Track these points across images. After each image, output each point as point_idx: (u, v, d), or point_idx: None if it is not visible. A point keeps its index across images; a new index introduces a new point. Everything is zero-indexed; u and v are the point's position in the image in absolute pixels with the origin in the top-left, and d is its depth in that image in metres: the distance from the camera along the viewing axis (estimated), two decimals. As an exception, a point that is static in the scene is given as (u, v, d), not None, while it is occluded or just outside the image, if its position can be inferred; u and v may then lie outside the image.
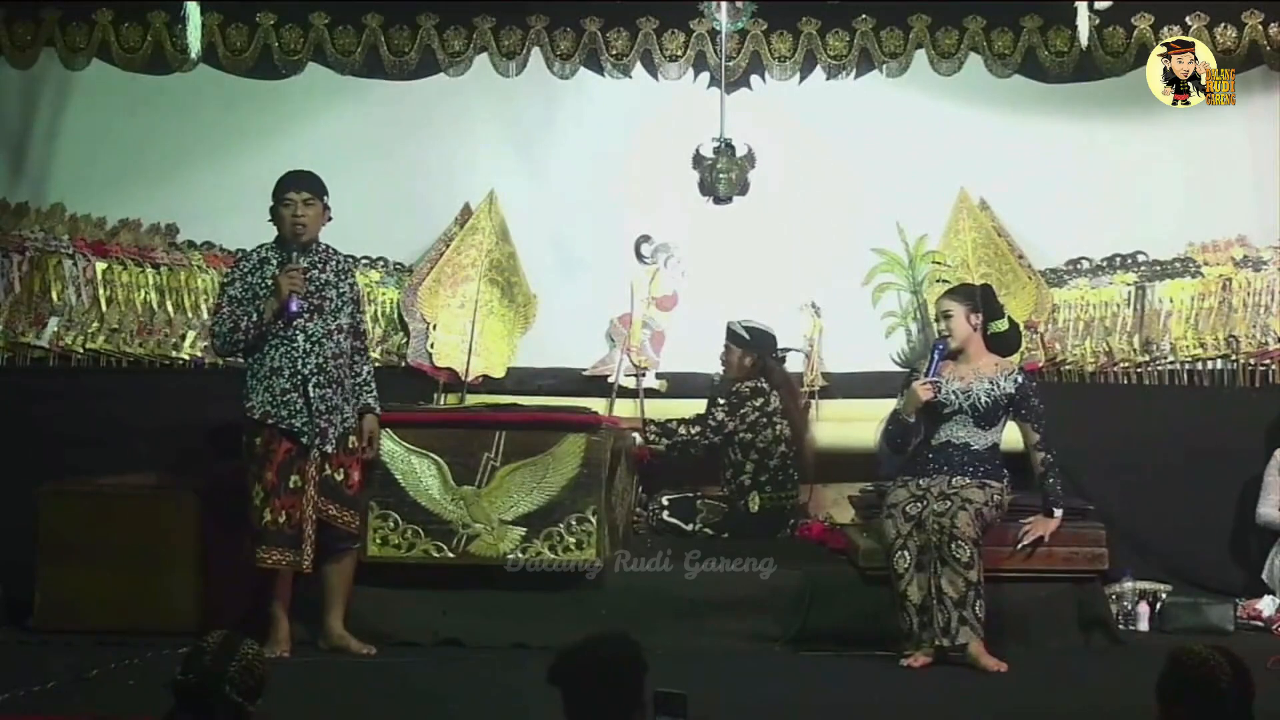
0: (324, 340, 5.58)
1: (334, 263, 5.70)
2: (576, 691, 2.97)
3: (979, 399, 5.69)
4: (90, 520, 5.93)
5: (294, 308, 5.50)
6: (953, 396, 5.70)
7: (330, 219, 5.71)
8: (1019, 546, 5.71)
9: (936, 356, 5.72)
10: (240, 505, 5.81)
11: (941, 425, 5.73)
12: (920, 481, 5.65)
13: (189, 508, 5.95)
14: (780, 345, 6.92)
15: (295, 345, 5.53)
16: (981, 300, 5.82)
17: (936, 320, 5.87)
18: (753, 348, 6.78)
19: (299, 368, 5.52)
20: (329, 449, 5.56)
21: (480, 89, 7.49)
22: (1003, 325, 5.88)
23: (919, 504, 5.53)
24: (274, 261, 5.61)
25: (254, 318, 5.52)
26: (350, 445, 5.66)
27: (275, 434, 5.50)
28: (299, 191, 5.60)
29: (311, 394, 5.51)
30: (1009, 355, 5.93)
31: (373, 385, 5.82)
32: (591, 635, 3.09)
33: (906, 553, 5.46)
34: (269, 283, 5.55)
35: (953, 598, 5.34)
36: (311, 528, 5.52)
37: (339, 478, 5.61)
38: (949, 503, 5.50)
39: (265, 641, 5.41)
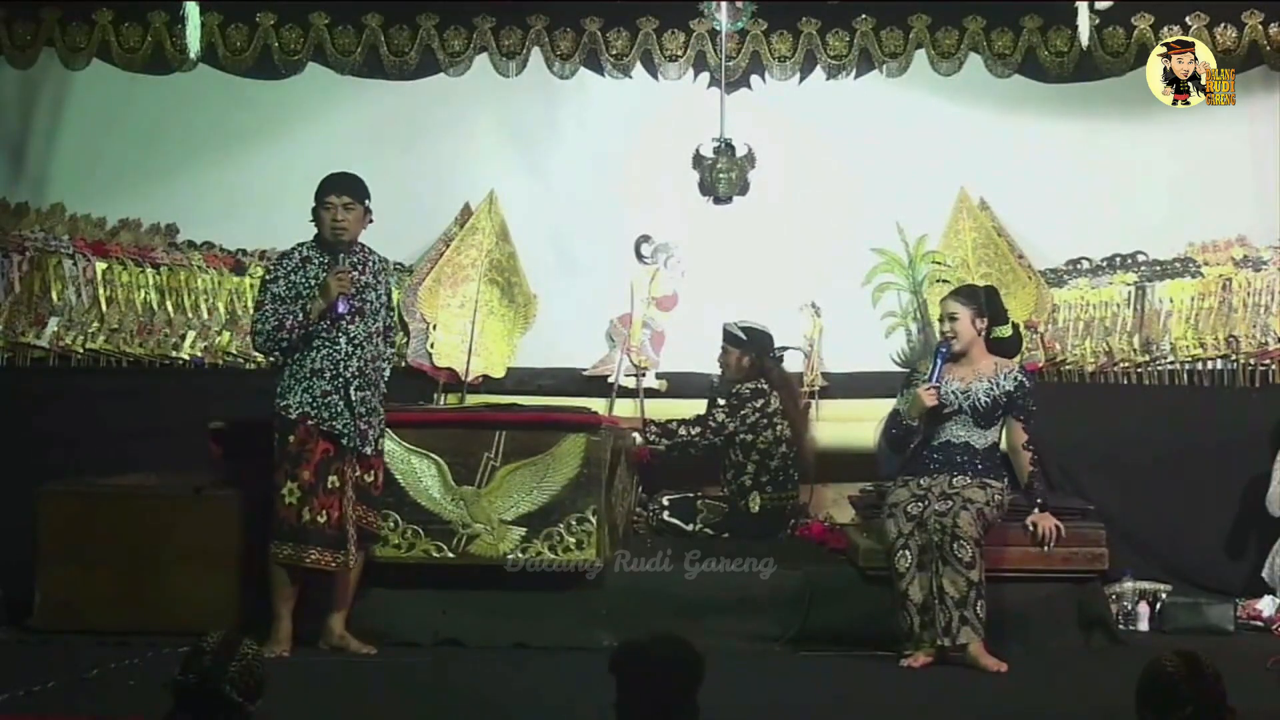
0: (364, 343, 5.58)
1: (371, 264, 5.69)
2: (631, 686, 2.96)
3: (978, 399, 5.69)
4: (90, 520, 5.92)
5: (342, 309, 5.48)
6: (952, 396, 5.69)
7: (371, 221, 5.68)
8: (1045, 548, 5.71)
9: (940, 360, 5.70)
10: (240, 505, 5.82)
11: (941, 425, 5.72)
12: (921, 481, 5.65)
13: (189, 508, 5.94)
14: (778, 344, 6.92)
15: (338, 347, 5.52)
16: (986, 304, 5.80)
17: (940, 321, 5.83)
18: (750, 348, 6.78)
19: (340, 370, 5.51)
20: (368, 450, 5.57)
21: (480, 89, 7.49)
22: (1006, 331, 5.87)
23: (920, 504, 5.53)
24: (315, 261, 5.57)
25: (299, 317, 5.48)
26: (381, 447, 5.67)
27: (313, 434, 5.48)
28: (339, 195, 5.57)
29: (353, 396, 5.51)
30: (1009, 358, 5.92)
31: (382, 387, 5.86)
32: (656, 634, 3.06)
33: (908, 552, 5.45)
34: (312, 282, 5.53)
35: (954, 597, 5.33)
36: (353, 527, 5.53)
37: (369, 479, 5.62)
38: (950, 502, 5.49)
39: (266, 641, 5.41)
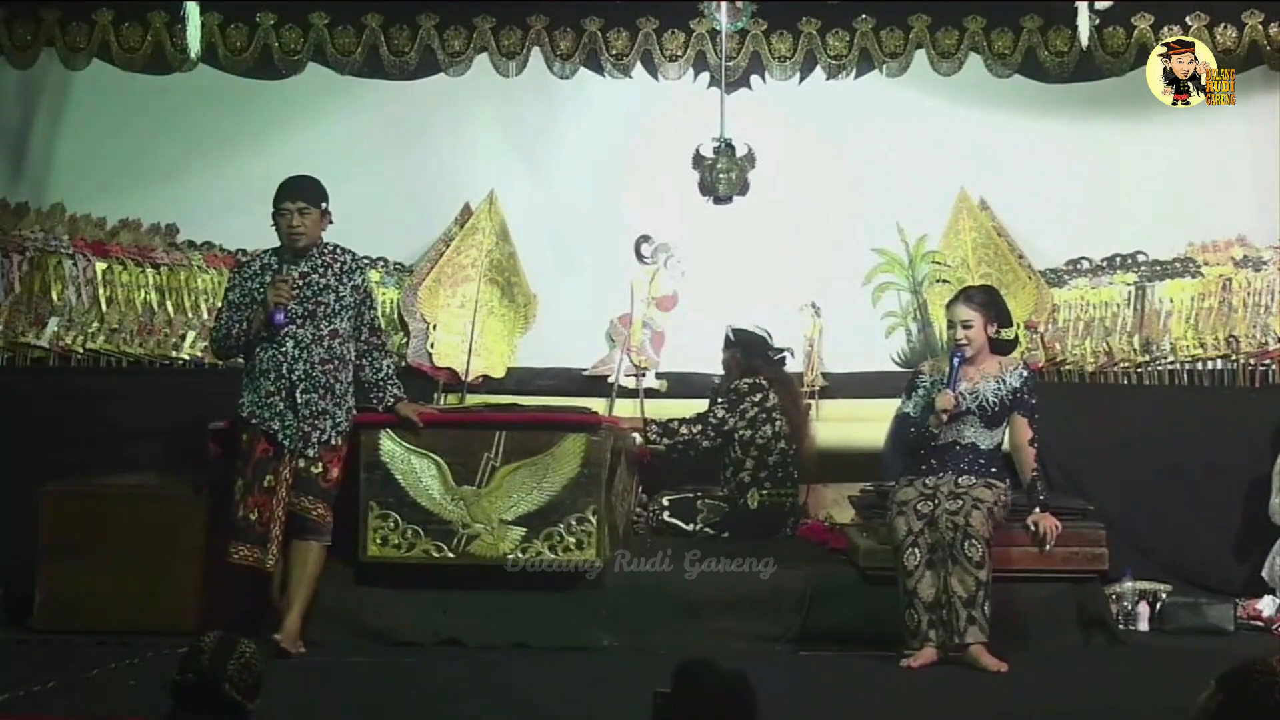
0: (313, 346, 5.59)
1: (338, 265, 5.69)
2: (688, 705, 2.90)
3: (987, 399, 5.68)
4: (90, 520, 5.93)
5: (279, 319, 5.54)
6: (961, 398, 5.67)
7: (331, 222, 5.71)
8: (1045, 548, 5.71)
9: (956, 364, 5.67)
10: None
11: (948, 426, 5.70)
12: (927, 480, 5.63)
13: (189, 508, 5.95)
14: (777, 347, 6.91)
15: (283, 350, 5.56)
16: (996, 306, 5.80)
17: (951, 327, 5.80)
18: (737, 348, 6.81)
19: (284, 372, 5.55)
20: (310, 453, 5.58)
21: (480, 89, 7.49)
22: (1012, 333, 5.87)
23: (930, 502, 5.51)
24: (274, 268, 5.64)
25: (244, 325, 5.60)
26: (334, 443, 5.65)
27: (257, 433, 5.55)
28: (294, 200, 5.61)
29: (298, 399, 5.55)
30: (1007, 354, 5.92)
31: (395, 378, 5.88)
32: (714, 669, 2.97)
33: (917, 550, 5.44)
34: (265, 290, 5.58)
35: (962, 596, 5.33)
36: (279, 528, 5.54)
37: (316, 470, 5.60)
38: (961, 501, 5.48)
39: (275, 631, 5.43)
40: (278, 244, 5.70)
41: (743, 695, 2.91)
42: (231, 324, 5.64)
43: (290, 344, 5.56)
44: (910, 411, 5.79)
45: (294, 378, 5.55)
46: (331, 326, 5.63)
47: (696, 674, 2.92)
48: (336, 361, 5.65)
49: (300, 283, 5.58)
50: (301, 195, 5.62)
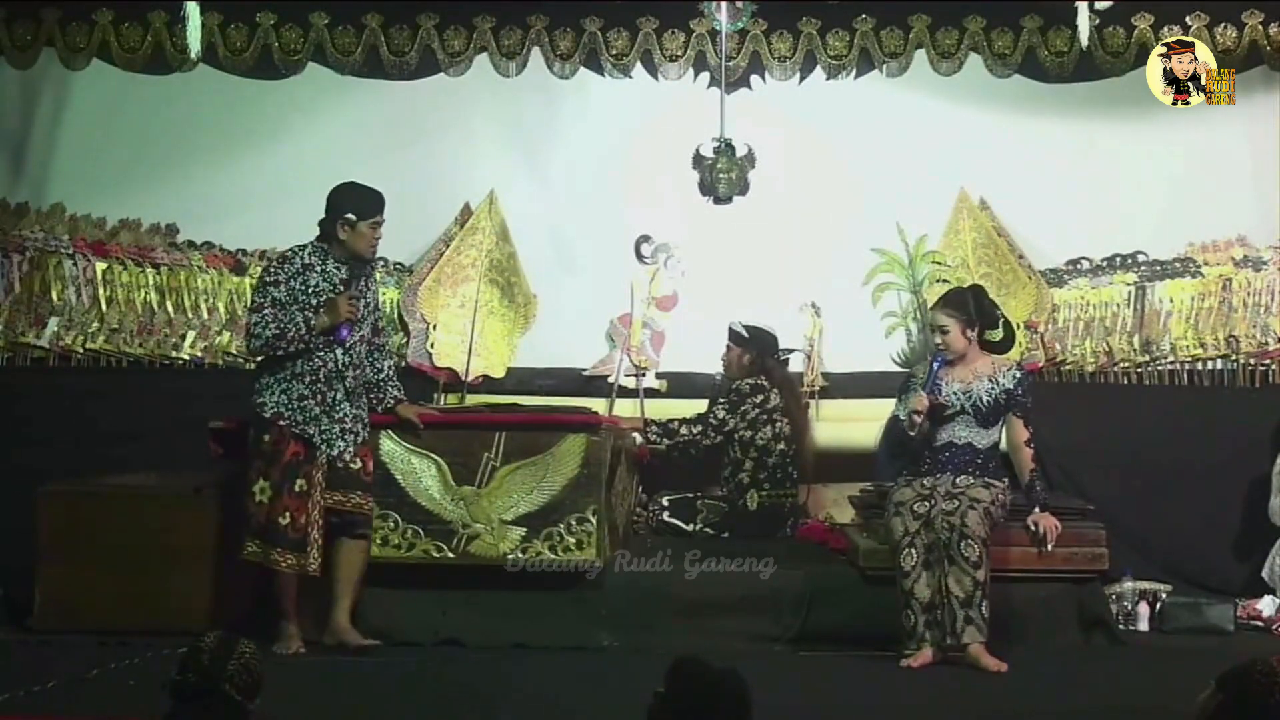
0: (351, 351, 5.62)
1: (366, 270, 5.73)
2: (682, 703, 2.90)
3: (980, 398, 5.69)
4: (90, 520, 5.92)
5: (344, 334, 5.53)
6: (954, 398, 5.68)
7: None
8: (1045, 548, 5.71)
9: (935, 367, 5.69)
10: (240, 505, 5.83)
11: (944, 426, 5.71)
12: (925, 481, 5.64)
13: (189, 508, 5.95)
14: (782, 346, 6.93)
15: (327, 356, 5.55)
16: (976, 309, 5.77)
17: (931, 332, 5.82)
18: (752, 345, 6.80)
19: (321, 377, 5.54)
20: (347, 456, 5.59)
21: (480, 89, 7.49)
22: (998, 335, 5.85)
23: (926, 502, 5.52)
24: (317, 269, 5.57)
25: (301, 330, 5.50)
26: (364, 439, 5.68)
27: (286, 435, 5.51)
28: (383, 213, 5.63)
29: (351, 404, 5.59)
30: (1003, 354, 5.91)
31: (396, 379, 5.90)
32: (707, 667, 2.97)
33: (914, 550, 5.44)
34: (311, 290, 5.54)
35: (959, 597, 5.33)
36: (318, 531, 5.53)
37: (355, 466, 5.64)
38: (957, 502, 5.49)
39: (276, 639, 5.43)
40: (310, 244, 5.64)
41: (736, 693, 2.91)
42: (283, 324, 5.49)
43: (339, 350, 5.57)
44: (901, 415, 5.80)
45: (347, 384, 5.57)
46: (361, 332, 5.66)
47: (689, 672, 2.92)
48: (361, 365, 5.70)
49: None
50: (384, 210, 5.65)
